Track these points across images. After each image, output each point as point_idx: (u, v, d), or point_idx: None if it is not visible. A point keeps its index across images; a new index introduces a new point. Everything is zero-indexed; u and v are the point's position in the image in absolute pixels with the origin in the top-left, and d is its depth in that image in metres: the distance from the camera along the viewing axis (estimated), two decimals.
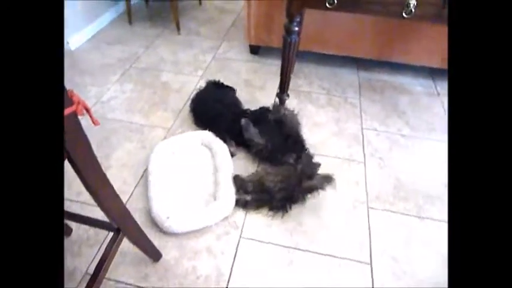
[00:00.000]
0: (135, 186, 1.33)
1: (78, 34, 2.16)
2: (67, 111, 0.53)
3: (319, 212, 1.27)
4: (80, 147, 0.59)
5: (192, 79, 1.93)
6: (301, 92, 1.85)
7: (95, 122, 0.59)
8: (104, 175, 0.68)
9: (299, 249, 1.16)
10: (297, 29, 1.34)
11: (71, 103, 0.54)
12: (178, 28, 2.33)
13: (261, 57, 2.12)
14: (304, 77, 1.96)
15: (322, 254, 1.14)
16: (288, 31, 1.34)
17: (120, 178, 1.35)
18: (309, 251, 1.15)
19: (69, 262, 1.10)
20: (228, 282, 1.07)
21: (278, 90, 1.62)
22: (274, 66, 2.03)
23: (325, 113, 1.73)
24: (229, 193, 1.26)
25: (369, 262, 1.13)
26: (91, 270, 1.08)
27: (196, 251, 1.15)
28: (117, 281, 1.06)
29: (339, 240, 1.19)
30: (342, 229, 1.22)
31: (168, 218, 1.15)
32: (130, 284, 1.06)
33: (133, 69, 2.00)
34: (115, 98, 1.78)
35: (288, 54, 1.41)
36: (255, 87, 1.88)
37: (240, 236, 1.19)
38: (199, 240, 1.18)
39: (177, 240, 1.17)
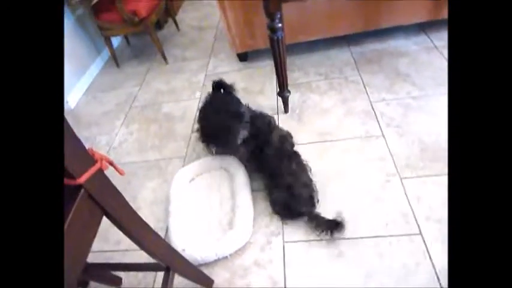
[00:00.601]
0: None
1: (73, 91, 2.21)
2: (93, 169, 0.54)
3: (354, 196, 1.25)
4: (114, 200, 0.59)
5: (192, 103, 1.94)
6: (300, 84, 1.85)
7: (120, 172, 0.60)
8: (142, 220, 0.69)
9: (345, 238, 1.14)
10: (280, 25, 1.34)
11: (95, 161, 0.54)
12: (164, 58, 2.35)
13: (252, 62, 2.13)
14: (298, 69, 1.95)
15: (369, 237, 1.13)
16: (272, 30, 1.34)
17: (152, 216, 1.37)
18: (356, 238, 1.13)
19: None
20: None
21: (278, 89, 1.61)
22: (267, 67, 2.03)
23: (329, 98, 1.72)
24: (246, 221, 1.22)
25: (419, 232, 1.11)
26: None
27: (245, 267, 1.14)
28: None
29: (382, 219, 1.17)
30: (382, 207, 1.20)
31: (184, 250, 1.14)
32: None
33: (133, 109, 2.03)
34: (125, 141, 1.80)
35: (279, 52, 1.41)
36: (254, 93, 1.88)
37: (283, 241, 1.18)
38: (244, 256, 1.17)
39: (223, 261, 1.17)
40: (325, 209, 1.23)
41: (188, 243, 1.18)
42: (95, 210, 0.56)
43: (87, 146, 0.54)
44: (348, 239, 1.14)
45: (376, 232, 1.13)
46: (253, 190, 1.35)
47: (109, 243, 1.31)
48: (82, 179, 0.51)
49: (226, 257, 1.17)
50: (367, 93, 1.68)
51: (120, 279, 1.17)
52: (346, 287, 1.03)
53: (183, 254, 1.06)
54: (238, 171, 1.39)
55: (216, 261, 1.17)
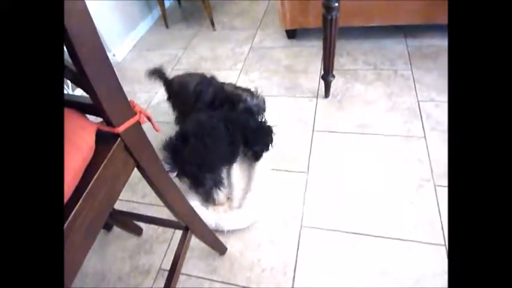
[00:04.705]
0: None
1: (121, 46, 2.28)
2: (131, 121, 0.55)
3: (383, 194, 1.21)
4: (147, 154, 0.61)
5: (232, 73, 1.94)
6: (347, 71, 1.76)
7: (156, 129, 0.61)
8: (170, 178, 0.71)
9: (364, 234, 1.12)
10: (336, 4, 1.27)
11: (134, 113, 0.56)
12: (213, 24, 2.34)
13: (299, 41, 2.06)
14: (347, 55, 1.86)
15: (391, 238, 1.09)
16: (328, 8, 1.28)
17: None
18: (376, 236, 1.10)
19: (144, 260, 1.18)
20: (295, 272, 1.07)
21: (322, 72, 1.56)
22: (314, 47, 1.96)
23: (375, 89, 1.63)
24: (255, 204, 1.22)
25: (443, 243, 1.05)
26: (164, 266, 1.16)
27: (259, 242, 1.16)
28: (189, 275, 1.12)
29: (407, 223, 1.12)
30: (409, 210, 1.15)
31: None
32: (201, 277, 1.11)
33: (175, 72, 2.05)
34: (163, 101, 1.85)
35: (330, 33, 1.34)
36: (297, 72, 1.83)
37: (301, 225, 1.18)
38: (260, 232, 1.19)
39: (239, 233, 1.20)
40: (350, 199, 1.21)
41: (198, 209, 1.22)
42: (128, 161, 0.58)
43: (134, 101, 0.56)
44: (368, 235, 1.11)
45: (398, 234, 1.10)
46: (274, 169, 1.35)
47: (136, 195, 1.38)
48: (120, 129, 0.52)
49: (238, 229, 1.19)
50: (416, 91, 1.58)
51: (141, 229, 1.24)
52: (357, 282, 1.02)
53: None
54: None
55: (232, 231, 1.19)
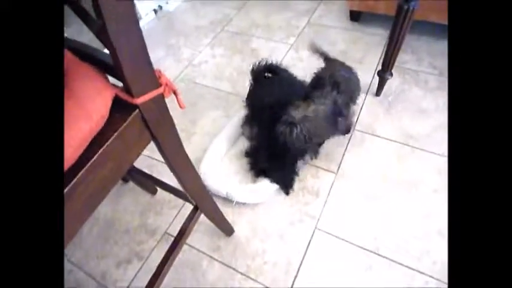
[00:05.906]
0: None
1: None
2: (153, 93, 0.49)
3: (411, 218, 1.10)
4: (165, 130, 0.56)
5: (282, 47, 1.81)
6: (407, 70, 1.58)
7: (181, 106, 0.55)
8: (187, 157, 0.66)
9: (379, 254, 1.03)
10: None
11: (159, 85, 0.49)
12: None
13: (362, 25, 1.86)
14: (412, 52, 1.66)
15: (407, 267, 1.00)
16: None
17: (201, 146, 1.37)
18: (393, 261, 1.01)
19: (152, 220, 1.18)
20: (297, 273, 1.02)
21: (380, 67, 1.39)
22: (376, 36, 1.76)
23: (434, 98, 1.45)
24: (271, 185, 1.17)
25: None
26: (170, 231, 1.15)
27: (268, 233, 1.12)
28: (192, 247, 1.11)
29: (429, 256, 1.02)
30: (437, 241, 1.04)
31: (205, 173, 1.20)
32: (203, 253, 1.09)
33: (224, 33, 1.96)
34: (205, 62, 1.78)
35: (402, 25, 1.17)
36: (352, 60, 1.66)
37: (315, 227, 1.11)
38: (271, 223, 1.14)
39: (250, 218, 1.15)
40: (376, 215, 1.12)
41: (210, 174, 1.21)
42: (144, 134, 0.53)
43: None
44: (383, 256, 1.03)
45: (420, 267, 1.00)
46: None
47: (156, 153, 1.36)
48: (139, 100, 0.47)
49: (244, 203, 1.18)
50: None
51: (155, 189, 1.24)
52: None
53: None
54: None
55: (242, 215, 1.16)
